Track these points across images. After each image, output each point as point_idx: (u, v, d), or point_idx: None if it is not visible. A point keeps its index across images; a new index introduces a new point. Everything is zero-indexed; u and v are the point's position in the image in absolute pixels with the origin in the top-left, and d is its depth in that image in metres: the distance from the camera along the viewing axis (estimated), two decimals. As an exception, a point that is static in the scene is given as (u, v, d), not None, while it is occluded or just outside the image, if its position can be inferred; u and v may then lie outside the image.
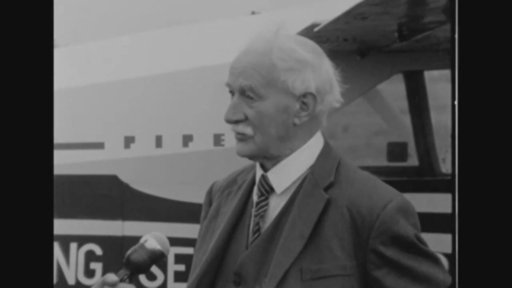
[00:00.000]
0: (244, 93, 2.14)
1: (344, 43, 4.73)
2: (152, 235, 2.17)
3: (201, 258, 2.21)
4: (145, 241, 2.15)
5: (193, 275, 2.21)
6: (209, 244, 2.21)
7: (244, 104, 2.14)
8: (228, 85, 2.17)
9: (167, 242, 2.17)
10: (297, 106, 2.14)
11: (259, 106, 2.13)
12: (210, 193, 2.34)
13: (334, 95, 2.18)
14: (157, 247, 2.15)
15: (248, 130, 2.15)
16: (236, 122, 2.15)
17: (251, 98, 2.13)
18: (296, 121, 2.15)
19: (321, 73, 2.15)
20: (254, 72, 2.12)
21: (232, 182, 2.29)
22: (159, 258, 2.16)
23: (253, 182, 2.23)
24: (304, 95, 2.14)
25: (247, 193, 2.23)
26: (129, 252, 2.15)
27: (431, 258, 2.12)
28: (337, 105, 2.20)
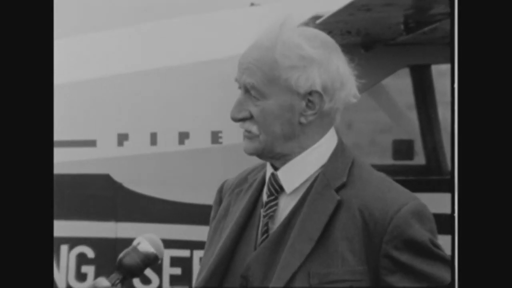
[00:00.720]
0: (248, 91, 2.09)
1: (347, 35, 4.65)
2: (146, 237, 2.14)
3: (209, 259, 2.14)
4: (138, 243, 2.13)
5: (200, 276, 2.15)
6: (217, 245, 2.15)
7: (249, 101, 2.10)
8: (236, 80, 2.13)
9: (161, 244, 2.13)
10: (303, 104, 2.08)
11: (263, 105, 2.08)
12: (220, 192, 2.29)
13: (348, 91, 2.11)
14: (151, 249, 2.12)
15: (254, 128, 2.09)
16: (242, 120, 2.11)
17: (255, 96, 2.08)
18: (303, 120, 2.08)
19: (329, 70, 2.08)
20: (257, 70, 2.07)
21: (242, 180, 2.24)
22: (152, 262, 2.12)
23: (263, 181, 2.17)
24: (310, 93, 2.07)
25: (257, 193, 2.17)
26: (121, 255, 2.12)
27: (448, 263, 2.05)
28: (354, 100, 2.13)
